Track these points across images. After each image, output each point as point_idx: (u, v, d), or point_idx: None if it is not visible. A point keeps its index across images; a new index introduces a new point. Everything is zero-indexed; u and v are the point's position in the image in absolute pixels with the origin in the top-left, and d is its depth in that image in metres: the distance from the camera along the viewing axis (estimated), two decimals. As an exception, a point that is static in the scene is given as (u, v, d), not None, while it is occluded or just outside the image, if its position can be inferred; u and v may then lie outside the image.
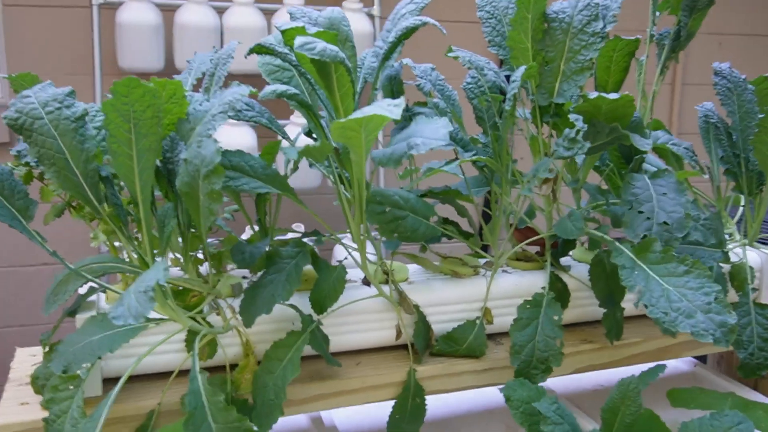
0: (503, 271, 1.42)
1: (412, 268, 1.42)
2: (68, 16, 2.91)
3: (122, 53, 2.79)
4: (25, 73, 1.04)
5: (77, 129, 0.98)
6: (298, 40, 0.98)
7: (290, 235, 1.30)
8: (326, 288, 1.19)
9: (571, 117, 1.17)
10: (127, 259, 1.14)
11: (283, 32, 1.04)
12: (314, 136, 1.23)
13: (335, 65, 1.05)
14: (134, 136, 0.92)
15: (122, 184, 1.03)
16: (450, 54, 1.25)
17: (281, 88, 1.08)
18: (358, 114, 0.92)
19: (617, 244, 1.18)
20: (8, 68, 2.77)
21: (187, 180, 0.99)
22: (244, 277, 1.29)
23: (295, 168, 1.29)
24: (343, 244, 1.26)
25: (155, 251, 1.04)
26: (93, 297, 1.20)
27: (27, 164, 1.13)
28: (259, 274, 1.17)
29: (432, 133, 0.99)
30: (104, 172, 1.01)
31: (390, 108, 0.91)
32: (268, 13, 2.96)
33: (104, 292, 1.17)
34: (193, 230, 1.11)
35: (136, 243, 1.08)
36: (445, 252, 1.42)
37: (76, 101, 0.99)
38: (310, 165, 1.27)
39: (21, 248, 2.98)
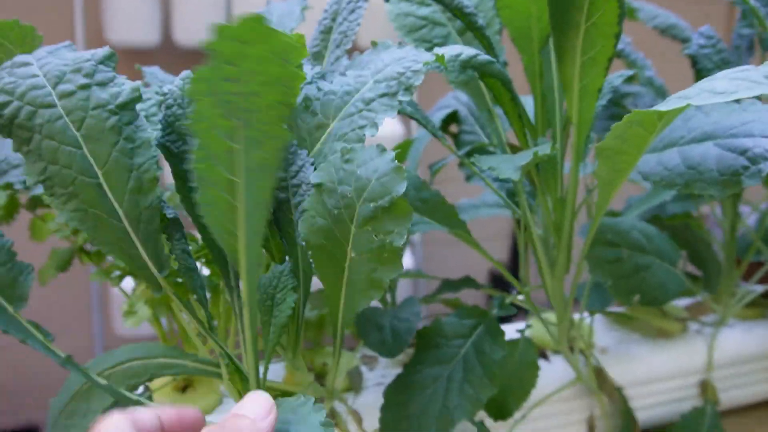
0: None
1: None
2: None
3: (111, 21, 2.26)
4: (10, 22, 0.56)
5: (121, 128, 0.50)
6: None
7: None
8: (509, 377, 0.73)
9: None
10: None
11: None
12: (477, 133, 0.77)
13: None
14: (243, 144, 0.45)
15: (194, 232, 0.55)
16: None
17: (468, 51, 0.61)
18: (676, 101, 0.46)
19: None
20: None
21: (324, 223, 0.53)
22: (365, 358, 0.82)
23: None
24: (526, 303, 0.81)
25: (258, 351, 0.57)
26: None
27: (8, 186, 0.65)
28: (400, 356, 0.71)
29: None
30: (169, 213, 0.53)
31: (759, 82, 0.44)
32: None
33: (150, 398, 0.69)
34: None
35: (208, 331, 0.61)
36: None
37: (118, 75, 0.52)
38: (468, 178, 0.81)
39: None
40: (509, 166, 0.56)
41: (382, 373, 0.82)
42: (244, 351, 0.59)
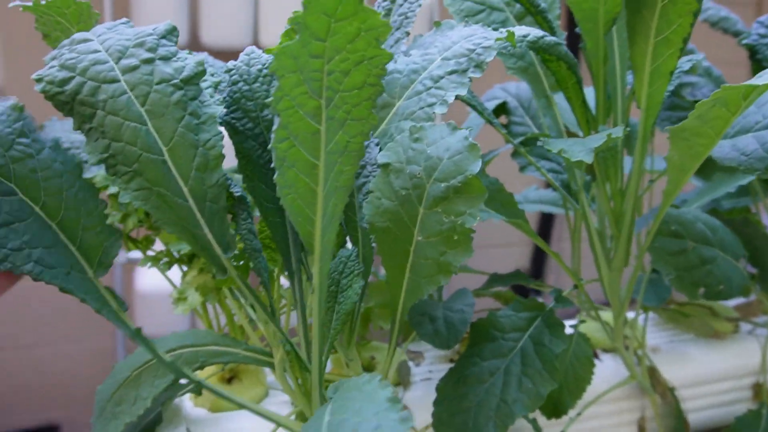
0: (774, 326, 0.94)
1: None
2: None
3: (139, 23, 2.25)
4: (69, -1, 0.55)
5: (186, 103, 0.48)
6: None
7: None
8: (563, 374, 0.71)
9: None
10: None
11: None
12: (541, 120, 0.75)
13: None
14: (325, 125, 0.43)
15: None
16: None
17: (536, 32, 0.59)
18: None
19: None
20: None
21: (390, 205, 0.51)
22: (410, 353, 0.80)
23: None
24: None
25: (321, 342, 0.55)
26: (176, 400, 0.71)
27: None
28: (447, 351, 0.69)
29: None
30: (236, 191, 0.51)
31: None
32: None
33: (199, 391, 0.68)
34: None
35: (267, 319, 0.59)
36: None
37: (180, 51, 0.50)
38: (522, 169, 0.79)
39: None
40: (581, 149, 0.54)
41: (428, 368, 0.80)
42: (303, 339, 0.57)
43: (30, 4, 0.54)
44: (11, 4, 0.56)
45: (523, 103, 0.84)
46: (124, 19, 0.56)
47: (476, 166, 0.47)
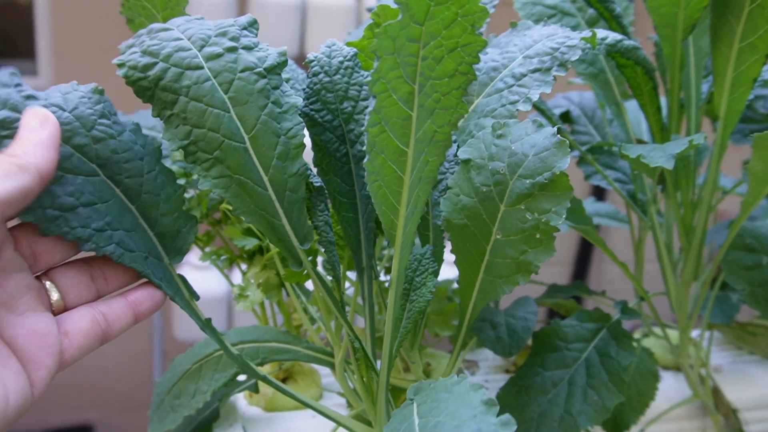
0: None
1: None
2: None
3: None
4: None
5: (269, 91, 0.48)
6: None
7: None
8: (627, 388, 0.69)
9: None
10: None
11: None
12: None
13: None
14: (416, 112, 0.42)
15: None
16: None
17: (614, 35, 0.58)
18: None
19: None
20: (54, 45, 2.25)
21: (469, 202, 0.50)
22: (466, 362, 0.79)
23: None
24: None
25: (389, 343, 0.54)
26: (231, 397, 0.70)
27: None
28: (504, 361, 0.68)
29: None
30: (316, 182, 0.51)
31: None
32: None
33: (255, 389, 0.67)
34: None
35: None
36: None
37: (260, 42, 0.50)
38: (587, 177, 0.78)
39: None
40: (661, 154, 0.53)
41: (484, 378, 0.78)
42: (369, 339, 0.56)
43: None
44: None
45: (587, 112, 0.83)
46: (198, 15, 0.56)
47: (564, 163, 0.46)
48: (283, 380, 0.73)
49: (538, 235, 0.48)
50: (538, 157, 0.47)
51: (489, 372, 0.79)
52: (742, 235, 0.65)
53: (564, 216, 0.46)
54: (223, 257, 0.70)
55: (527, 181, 0.47)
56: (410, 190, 0.45)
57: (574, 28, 0.71)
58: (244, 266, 0.71)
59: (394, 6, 0.53)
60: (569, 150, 0.46)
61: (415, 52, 0.40)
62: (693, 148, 0.54)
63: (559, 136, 0.47)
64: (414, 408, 0.43)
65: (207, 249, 0.72)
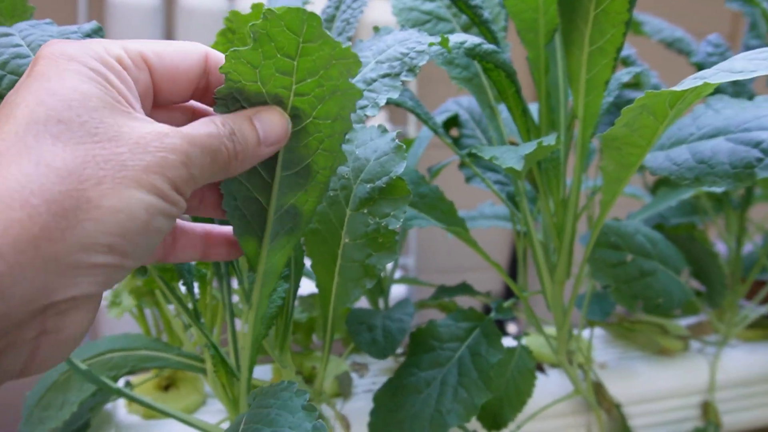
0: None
1: (600, 340, 0.94)
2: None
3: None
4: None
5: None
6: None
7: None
8: (504, 386, 0.70)
9: None
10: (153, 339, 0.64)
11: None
12: (488, 132, 0.75)
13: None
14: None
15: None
16: None
17: (473, 39, 0.59)
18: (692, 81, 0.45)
19: None
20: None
21: (320, 206, 0.50)
22: (355, 365, 0.79)
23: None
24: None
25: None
26: (108, 405, 0.69)
27: None
28: (388, 360, 0.68)
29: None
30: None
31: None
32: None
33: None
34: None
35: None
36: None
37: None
38: (468, 180, 0.79)
39: None
40: (512, 156, 0.54)
41: (372, 380, 0.79)
42: (231, 344, 0.56)
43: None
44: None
45: (474, 116, 0.85)
46: (47, 20, 0.55)
47: (401, 167, 0.47)
48: (166, 387, 0.72)
49: (380, 239, 0.49)
50: (378, 162, 0.48)
51: (378, 374, 0.80)
52: (607, 233, 0.67)
53: (401, 220, 0.47)
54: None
55: (368, 186, 0.48)
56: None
57: (449, 33, 0.72)
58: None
59: (245, 12, 0.54)
60: (406, 155, 0.47)
61: (288, 85, 0.40)
62: (545, 150, 0.56)
63: (397, 141, 0.47)
64: (245, 415, 0.43)
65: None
